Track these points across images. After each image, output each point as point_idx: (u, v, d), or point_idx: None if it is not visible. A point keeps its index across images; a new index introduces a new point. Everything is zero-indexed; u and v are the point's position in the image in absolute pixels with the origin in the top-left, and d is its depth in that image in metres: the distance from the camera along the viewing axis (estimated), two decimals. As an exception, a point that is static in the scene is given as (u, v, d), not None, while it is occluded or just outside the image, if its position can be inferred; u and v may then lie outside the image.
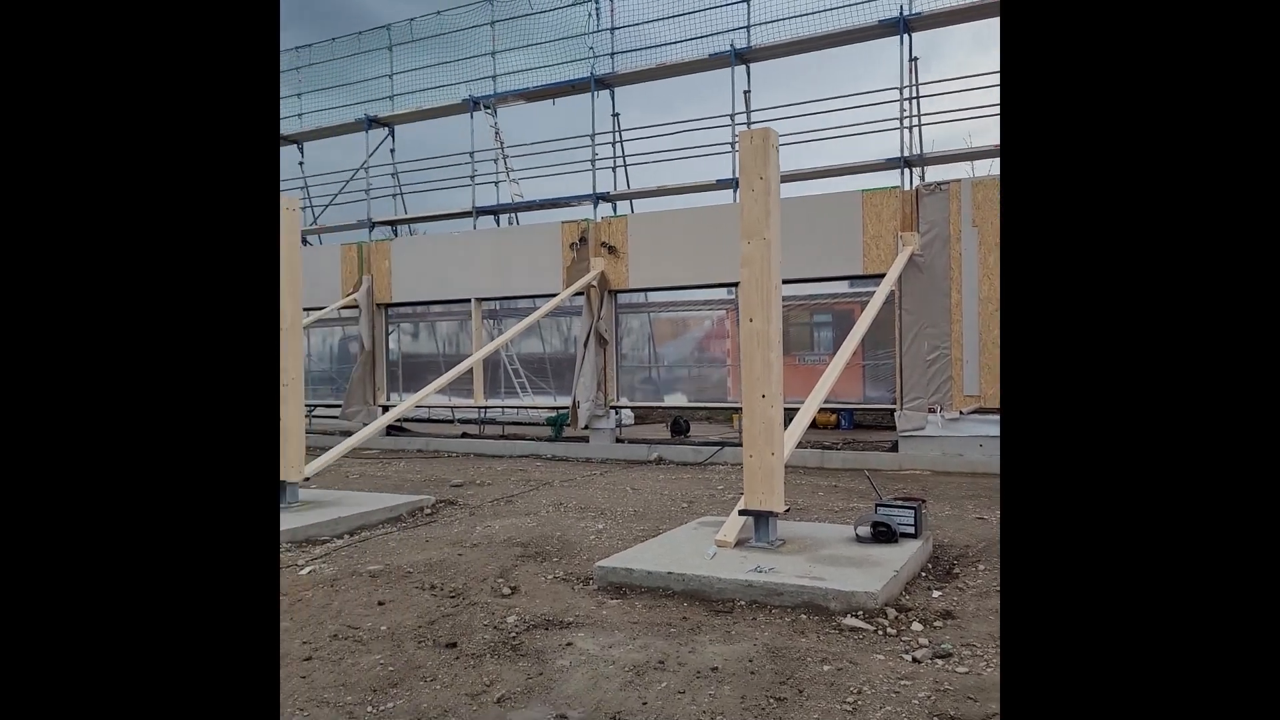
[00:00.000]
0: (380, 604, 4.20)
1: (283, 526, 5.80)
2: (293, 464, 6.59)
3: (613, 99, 13.07)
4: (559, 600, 4.23)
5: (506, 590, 4.41)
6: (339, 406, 12.65)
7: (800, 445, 8.39)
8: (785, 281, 5.39)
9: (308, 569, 4.98)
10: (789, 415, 5.65)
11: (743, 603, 4.07)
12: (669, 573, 4.34)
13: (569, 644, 3.55)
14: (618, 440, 11.16)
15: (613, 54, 12.93)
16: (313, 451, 7.27)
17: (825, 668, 3.22)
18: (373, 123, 14.74)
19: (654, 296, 11.70)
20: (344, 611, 4.09)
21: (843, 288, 10.51)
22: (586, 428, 10.90)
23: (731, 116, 12.09)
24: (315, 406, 13.17)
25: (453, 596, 4.32)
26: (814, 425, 12.53)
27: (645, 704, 2.91)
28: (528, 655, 3.43)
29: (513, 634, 3.70)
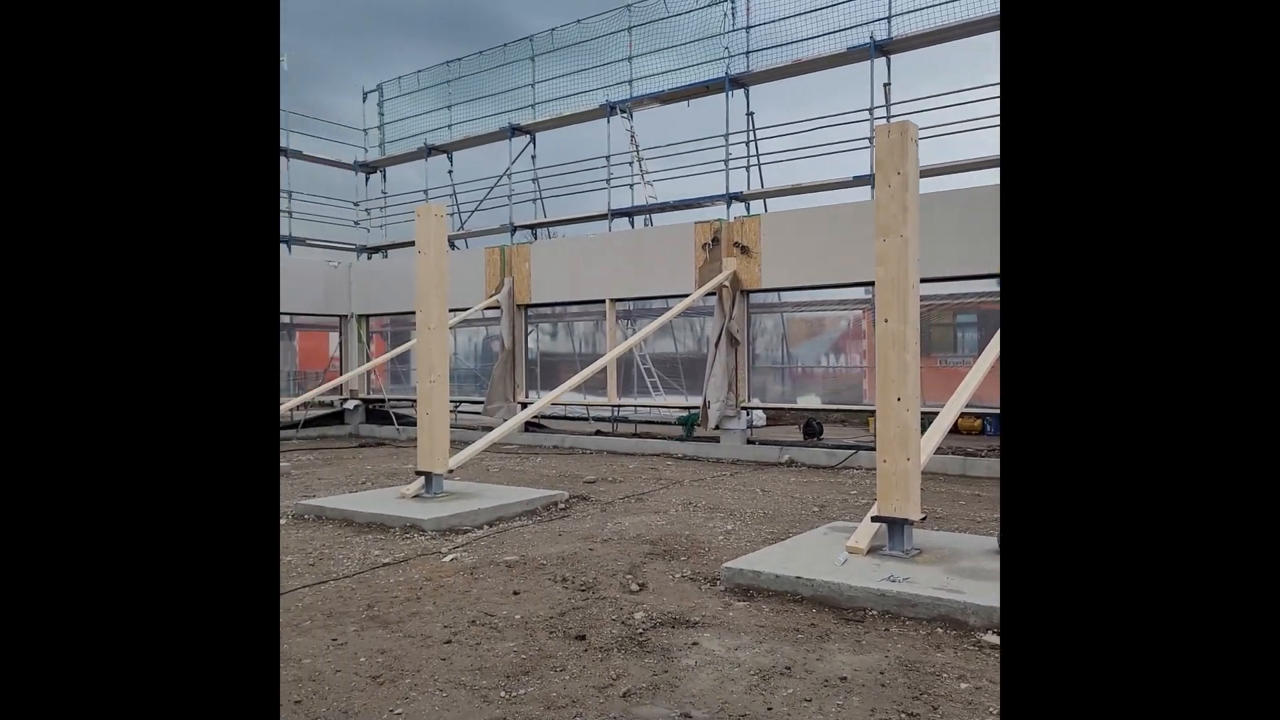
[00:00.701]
0: (515, 593, 4.37)
1: (427, 515, 6.14)
2: (438, 457, 6.95)
3: (747, 98, 12.98)
4: (686, 599, 4.25)
5: (635, 586, 4.48)
6: (482, 403, 13.23)
7: (940, 451, 8.03)
8: (925, 280, 5.18)
9: (450, 556, 5.25)
10: (928, 419, 5.42)
11: (874, 612, 3.95)
12: (797, 577, 4.28)
13: (695, 643, 3.57)
14: (749, 441, 11.08)
15: (748, 52, 12.84)
16: (457, 445, 7.65)
17: (963, 685, 3.08)
18: (515, 131, 15.32)
19: (788, 296, 11.52)
20: (482, 599, 4.29)
21: (990, 286, 9.97)
22: (717, 428, 10.88)
23: (870, 111, 11.73)
24: (460, 402, 13.84)
25: (583, 590, 4.43)
26: (956, 430, 11.95)
27: (770, 709, 2.89)
28: (654, 652, 3.47)
29: (640, 630, 3.75)
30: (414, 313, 7.17)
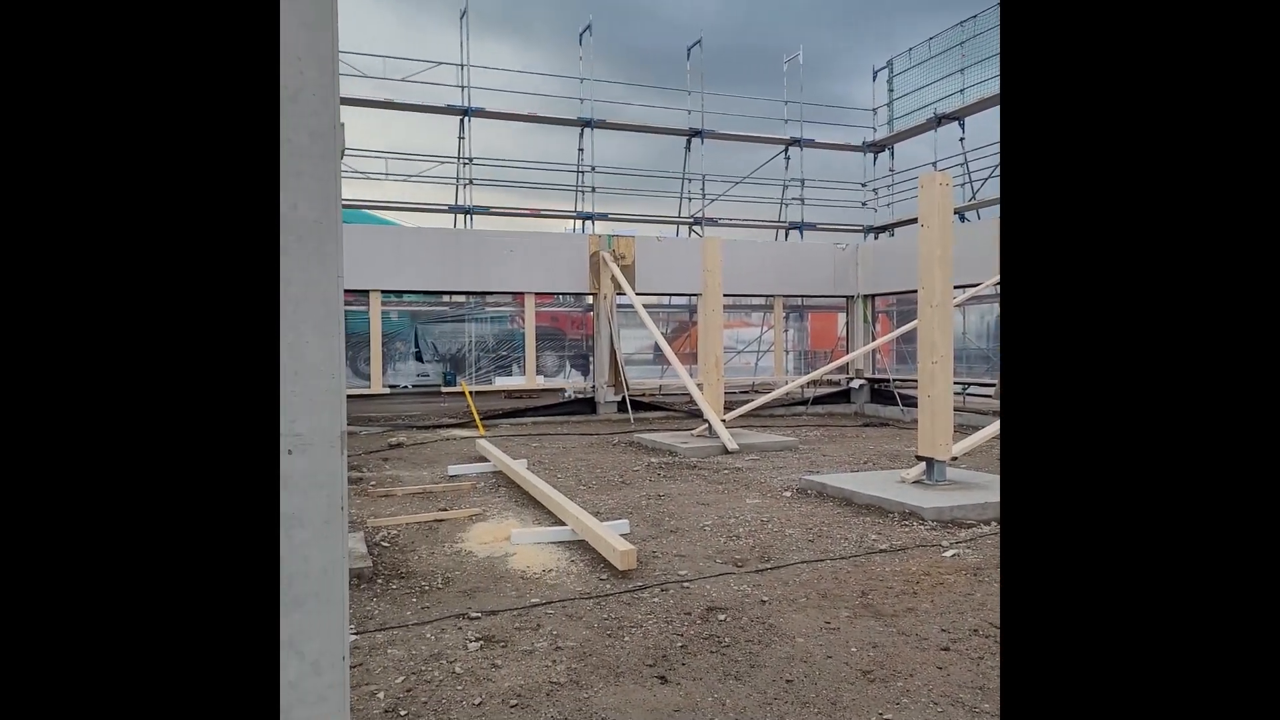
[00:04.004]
0: (1027, 606, 3.83)
1: (928, 504, 5.81)
2: (940, 442, 6.55)
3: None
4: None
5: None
6: (993, 385, 12.21)
7: None
8: None
9: (951, 552, 4.87)
10: None
11: None
12: None
13: None
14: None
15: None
16: (963, 430, 7.13)
17: None
18: (1037, 82, 13.70)
19: None
20: (986, 605, 3.86)
21: None
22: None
23: None
24: (968, 385, 12.98)
25: (1116, 617, 3.69)
26: None
27: None
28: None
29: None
30: (917, 290, 6.84)
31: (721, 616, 3.75)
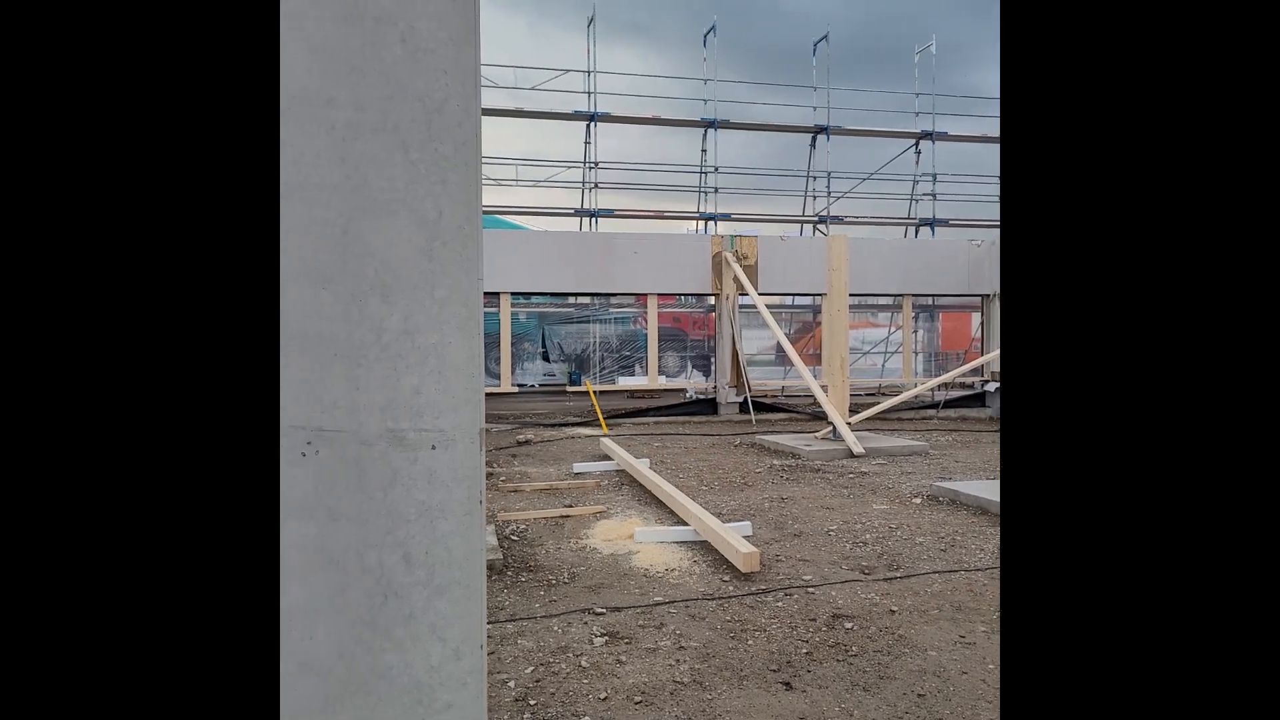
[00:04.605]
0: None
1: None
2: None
3: None
4: None
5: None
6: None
7: None
8: None
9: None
10: None
11: None
12: None
13: None
14: None
15: None
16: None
17: None
18: None
19: None
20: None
21: None
22: None
23: None
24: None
25: None
26: None
27: None
28: None
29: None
30: (1062, 289, 6.44)
31: (848, 624, 3.65)
